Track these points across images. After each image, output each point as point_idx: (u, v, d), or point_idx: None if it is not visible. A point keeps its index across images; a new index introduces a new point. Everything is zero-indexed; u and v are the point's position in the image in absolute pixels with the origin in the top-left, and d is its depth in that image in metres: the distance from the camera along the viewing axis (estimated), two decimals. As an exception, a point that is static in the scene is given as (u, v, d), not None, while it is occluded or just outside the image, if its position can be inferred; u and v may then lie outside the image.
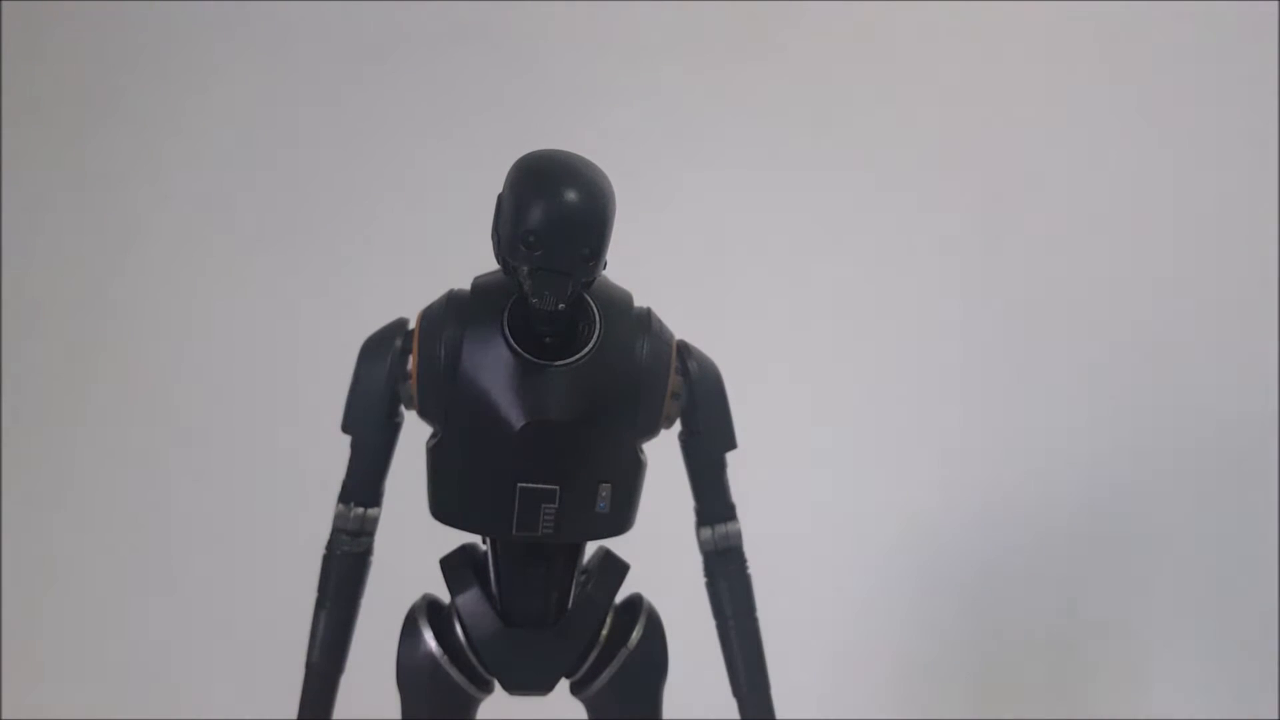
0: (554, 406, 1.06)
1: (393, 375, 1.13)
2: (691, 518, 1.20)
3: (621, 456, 1.11)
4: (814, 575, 1.94)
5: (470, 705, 1.19)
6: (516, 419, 1.06)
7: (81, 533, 2.14)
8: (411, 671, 1.16)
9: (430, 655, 1.15)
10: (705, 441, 1.17)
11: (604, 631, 1.17)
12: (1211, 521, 1.93)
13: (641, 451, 1.13)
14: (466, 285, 1.12)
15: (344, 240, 2.15)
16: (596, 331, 1.08)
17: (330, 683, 1.18)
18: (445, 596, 1.18)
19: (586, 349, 1.07)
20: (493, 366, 1.07)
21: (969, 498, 1.96)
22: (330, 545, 1.18)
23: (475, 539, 1.17)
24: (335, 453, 1.17)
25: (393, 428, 1.16)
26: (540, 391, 1.06)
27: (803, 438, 1.99)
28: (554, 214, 0.97)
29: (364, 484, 1.17)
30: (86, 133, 2.24)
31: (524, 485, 1.08)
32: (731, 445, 1.18)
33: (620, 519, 1.12)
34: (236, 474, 2.12)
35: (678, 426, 1.17)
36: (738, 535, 1.19)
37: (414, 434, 1.14)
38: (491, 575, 1.15)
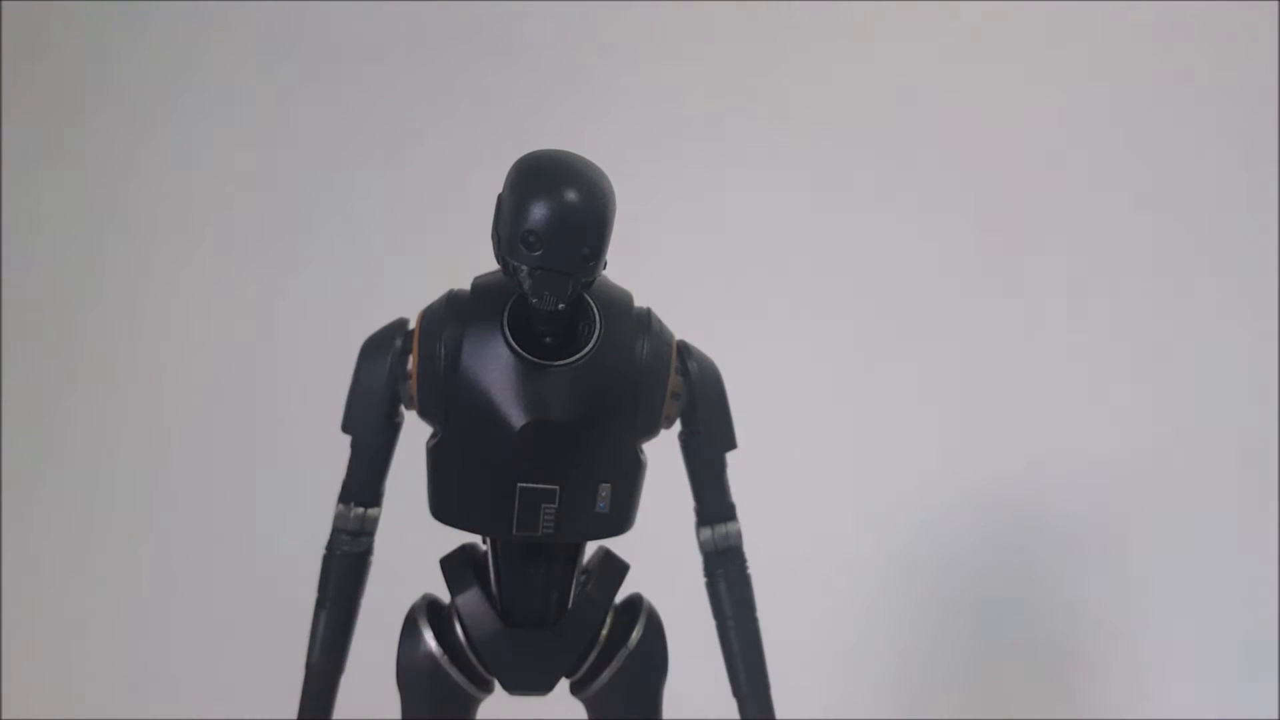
0: (554, 406, 1.06)
1: (393, 375, 1.13)
2: (691, 518, 1.20)
3: (621, 456, 1.11)
4: (814, 575, 1.94)
5: (470, 705, 1.19)
6: (516, 419, 1.06)
7: (81, 533, 2.14)
8: (411, 671, 1.16)
9: (430, 655, 1.15)
10: (705, 441, 1.17)
11: (604, 631, 1.17)
12: (1211, 522, 1.93)
13: (641, 451, 1.13)
14: (466, 285, 1.12)
15: (344, 240, 2.15)
16: (596, 331, 1.08)
17: (330, 683, 1.18)
18: (445, 596, 1.18)
19: (586, 349, 1.07)
20: (493, 366, 1.07)
21: (970, 498, 1.96)
22: (330, 545, 1.18)
23: (475, 539, 1.17)
24: (335, 453, 1.17)
25: (393, 428, 1.16)
26: (540, 391, 1.06)
27: (803, 438, 1.99)
28: (554, 214, 0.97)
29: (364, 484, 1.17)
30: (85, 132, 2.24)
31: (524, 485, 1.08)
32: (731, 445, 1.18)
33: (620, 519, 1.12)
34: (237, 474, 2.12)
35: (678, 426, 1.17)
36: (737, 535, 1.19)
37: (414, 434, 1.14)
38: (491, 575, 1.15)
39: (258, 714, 1.80)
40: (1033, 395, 1.98)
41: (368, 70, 2.17)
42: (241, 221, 2.18)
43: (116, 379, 2.18)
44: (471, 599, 1.15)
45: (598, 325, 1.08)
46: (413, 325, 1.12)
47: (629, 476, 1.12)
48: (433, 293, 1.13)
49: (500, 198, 1.01)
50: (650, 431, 1.13)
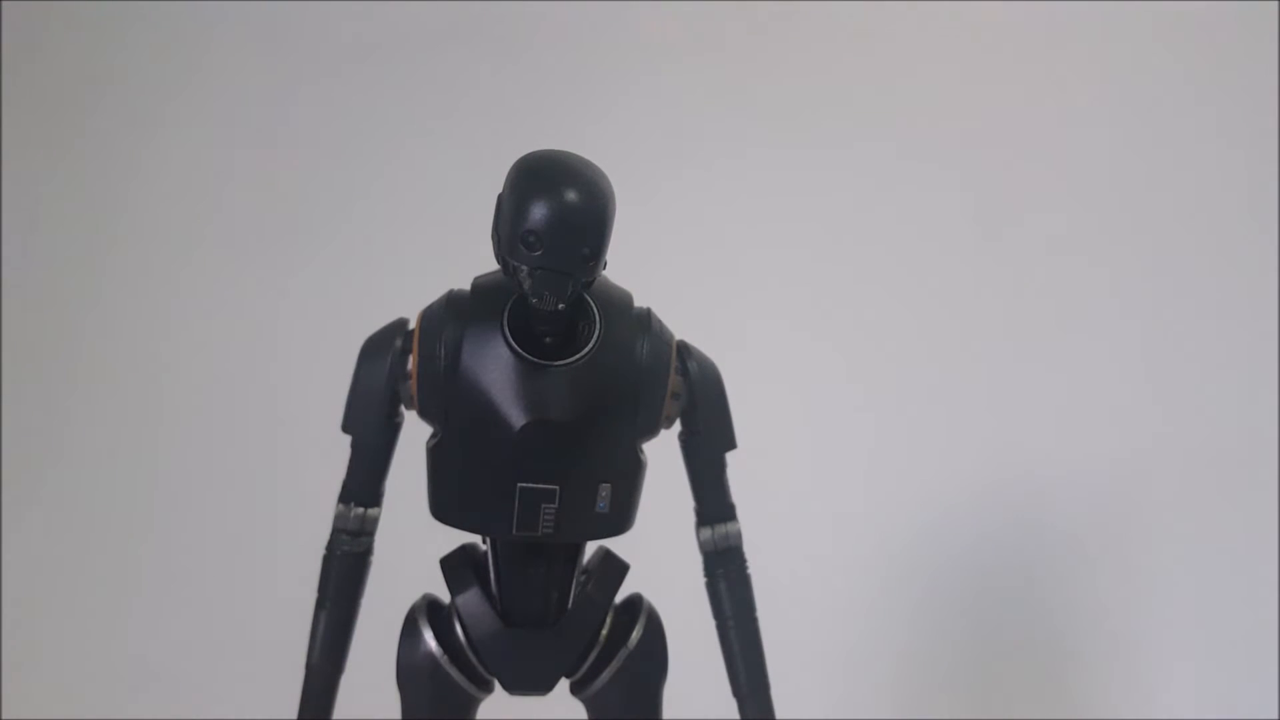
0: (554, 406, 1.06)
1: (393, 375, 1.13)
2: (691, 518, 1.20)
3: (621, 456, 1.11)
4: (814, 576, 1.94)
5: (470, 705, 1.19)
6: (516, 419, 1.06)
7: (81, 533, 2.14)
8: (411, 671, 1.16)
9: (430, 655, 1.15)
10: (705, 441, 1.17)
11: (604, 631, 1.17)
12: (1211, 522, 1.93)
13: (641, 451, 1.13)
14: (466, 285, 1.12)
15: (344, 240, 2.15)
16: (596, 331, 1.08)
17: (330, 683, 1.18)
18: (445, 596, 1.18)
19: (586, 349, 1.07)
20: (493, 366, 1.07)
21: (969, 498, 1.96)
22: (330, 545, 1.18)
23: (475, 539, 1.17)
24: (335, 453, 1.17)
25: (393, 428, 1.16)
26: (540, 391, 1.06)
27: (803, 438, 1.99)
28: (554, 214, 0.97)
29: (364, 484, 1.17)
30: (85, 132, 2.24)
31: (524, 485, 1.08)
32: (731, 445, 1.18)
33: (620, 519, 1.12)
34: (237, 474, 2.12)
35: (678, 426, 1.17)
36: (737, 535, 1.19)
37: (414, 434, 1.14)
38: (491, 575, 1.15)
39: (258, 714, 1.80)
40: (1033, 396, 1.98)
41: (368, 70, 2.17)
42: (241, 221, 2.18)
43: (116, 379, 2.18)
44: (471, 599, 1.15)
45: (598, 325, 1.08)
46: (413, 325, 1.12)
47: (629, 476, 1.12)
48: (433, 293, 1.13)
49: (500, 198, 1.01)
50: (650, 431, 1.13)
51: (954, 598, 1.96)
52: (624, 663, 1.16)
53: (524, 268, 0.99)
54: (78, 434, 2.17)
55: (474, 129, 2.11)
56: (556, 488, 1.08)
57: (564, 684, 1.18)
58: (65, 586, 2.13)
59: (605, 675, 1.16)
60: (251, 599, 2.03)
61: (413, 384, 1.11)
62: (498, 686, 1.18)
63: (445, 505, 1.11)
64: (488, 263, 1.07)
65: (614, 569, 1.18)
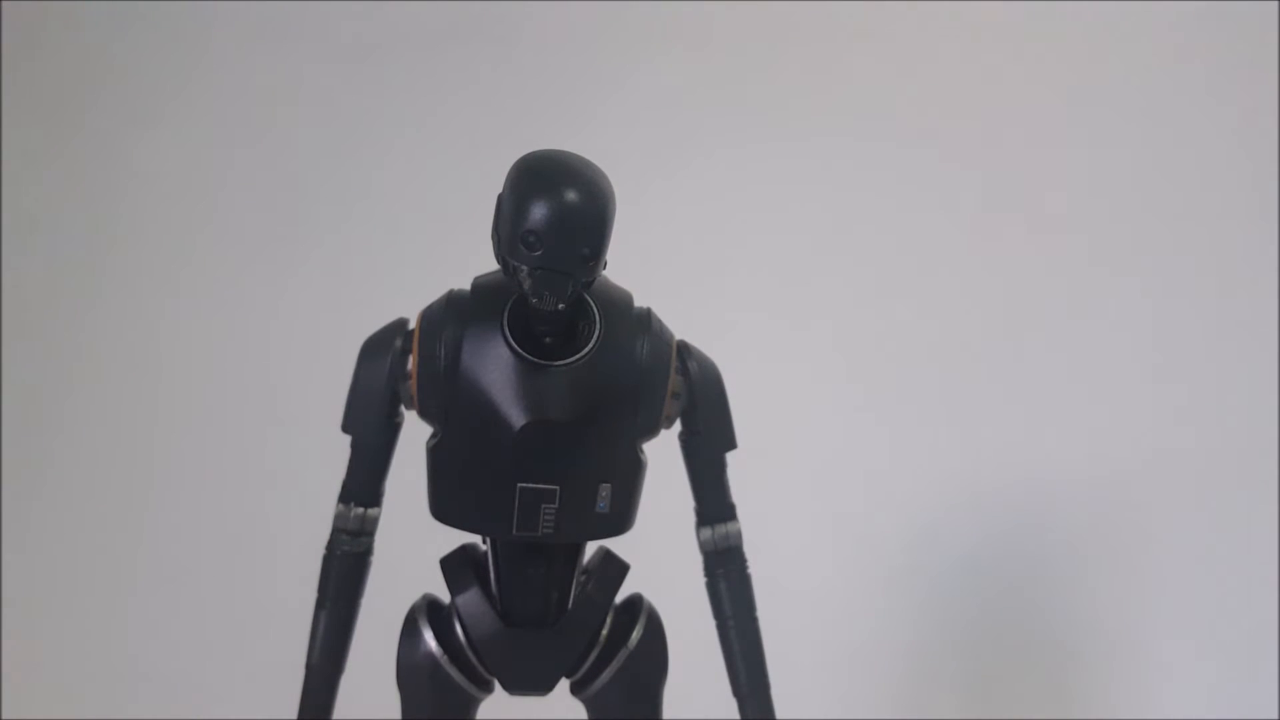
0: (554, 406, 1.06)
1: (393, 375, 1.13)
2: (691, 518, 1.20)
3: (621, 456, 1.11)
4: (815, 576, 1.94)
5: (470, 705, 1.19)
6: (517, 419, 1.06)
7: (81, 533, 2.14)
8: (411, 671, 1.16)
9: (430, 655, 1.15)
10: (705, 441, 1.17)
11: (604, 631, 1.17)
12: (1211, 522, 1.93)
13: (641, 451, 1.13)
14: (466, 285, 1.12)
15: (344, 240, 2.15)
16: (596, 331, 1.08)
17: (330, 683, 1.18)
18: (445, 596, 1.18)
19: (586, 349, 1.07)
20: (493, 366, 1.07)
21: (971, 499, 1.96)
22: (330, 545, 1.17)
23: (475, 539, 1.17)
24: (335, 453, 1.17)
25: (393, 428, 1.15)
26: (540, 391, 1.06)
27: (803, 439, 1.99)
28: (554, 214, 0.97)
29: (364, 484, 1.16)
30: (85, 132, 2.24)
31: (524, 485, 1.08)
32: (731, 445, 1.18)
33: (620, 519, 1.12)
34: (237, 474, 2.12)
35: (678, 426, 1.17)
36: (738, 535, 1.19)
37: (414, 434, 1.14)
38: (491, 575, 1.15)
39: (258, 714, 1.80)
40: (1034, 396, 1.98)
41: (368, 70, 2.17)
42: (241, 221, 2.18)
43: (117, 379, 2.18)
44: (471, 599, 1.15)
45: (598, 325, 1.08)
46: (413, 325, 1.12)
47: (629, 476, 1.12)
48: (433, 293, 1.13)
49: (500, 198, 1.01)
50: (650, 431, 1.13)
51: (954, 598, 1.96)
52: (624, 663, 1.16)
53: (524, 268, 0.98)
54: (77, 434, 2.17)
55: (474, 129, 2.11)
56: (556, 488, 1.08)
57: (564, 684, 1.18)
58: (65, 586, 2.13)
59: (605, 675, 1.16)
60: (251, 599, 2.03)
61: (413, 384, 1.11)
62: (498, 686, 1.18)
63: (445, 505, 1.11)
64: (488, 263, 1.07)
65: (614, 569, 1.18)
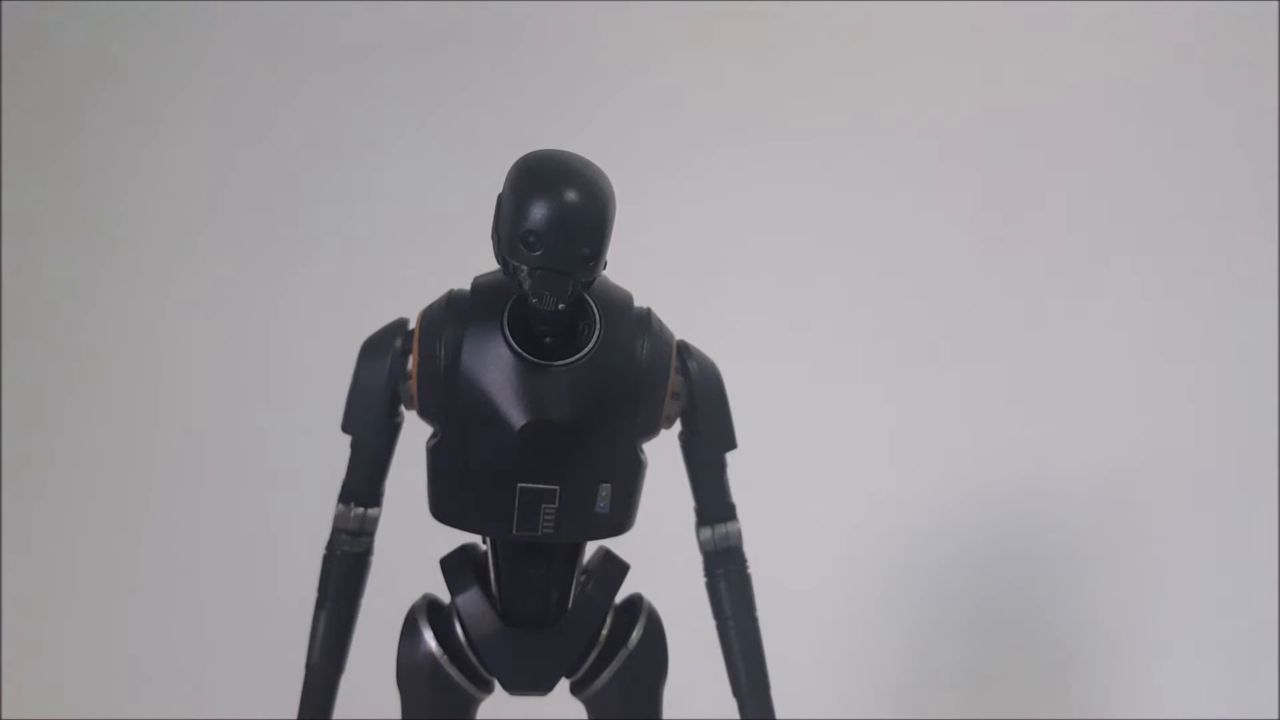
0: (554, 406, 1.06)
1: (393, 375, 1.13)
2: (691, 518, 1.20)
3: (621, 456, 1.11)
4: (815, 576, 1.94)
5: (470, 705, 1.19)
6: (517, 419, 1.06)
7: (81, 532, 2.14)
8: (411, 671, 1.16)
9: (430, 655, 1.15)
10: (705, 441, 1.17)
11: (604, 631, 1.17)
12: (1211, 522, 1.92)
13: (641, 451, 1.13)
14: (466, 285, 1.12)
15: (344, 239, 2.15)
16: (596, 331, 1.08)
17: (330, 683, 1.18)
18: (445, 596, 1.18)
19: (586, 349, 1.07)
20: (493, 366, 1.07)
21: (971, 499, 1.96)
22: (330, 545, 1.17)
23: (475, 539, 1.17)
24: (335, 453, 1.17)
25: (393, 428, 1.15)
26: (540, 391, 1.06)
27: (803, 439, 1.99)
28: (554, 214, 0.97)
29: (364, 484, 1.16)
30: (85, 132, 2.24)
31: (524, 485, 1.08)
32: (731, 445, 1.18)
33: (620, 519, 1.12)
34: (237, 474, 2.12)
35: (678, 426, 1.17)
36: (738, 535, 1.19)
37: (414, 434, 1.14)
38: (491, 575, 1.15)
39: (258, 714, 1.81)
40: (1034, 396, 1.98)
41: (368, 70, 2.17)
42: (241, 220, 2.18)
43: (116, 378, 2.18)
44: (471, 599, 1.15)
45: (598, 325, 1.08)
46: (413, 325, 1.12)
47: (629, 476, 1.12)
48: (433, 293, 1.13)
49: (500, 198, 1.01)
50: (650, 431, 1.13)
51: (954, 598, 1.96)
52: (624, 663, 1.16)
53: (524, 268, 0.98)
54: (77, 434, 2.17)
55: (474, 128, 2.11)
56: (556, 488, 1.08)
57: (564, 684, 1.18)
58: (65, 586, 2.13)
59: (605, 675, 1.16)
60: (251, 599, 2.03)
61: (413, 384, 1.11)
62: (498, 686, 1.18)
63: (445, 505, 1.11)
64: (488, 263, 1.07)
65: (614, 569, 1.18)
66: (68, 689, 2.07)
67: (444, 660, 1.15)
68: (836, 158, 2.05)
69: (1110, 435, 1.95)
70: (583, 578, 1.17)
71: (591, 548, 1.18)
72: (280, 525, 1.86)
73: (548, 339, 1.07)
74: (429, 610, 1.18)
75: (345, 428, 1.15)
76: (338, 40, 2.18)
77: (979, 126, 2.03)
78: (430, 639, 1.16)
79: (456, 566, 1.17)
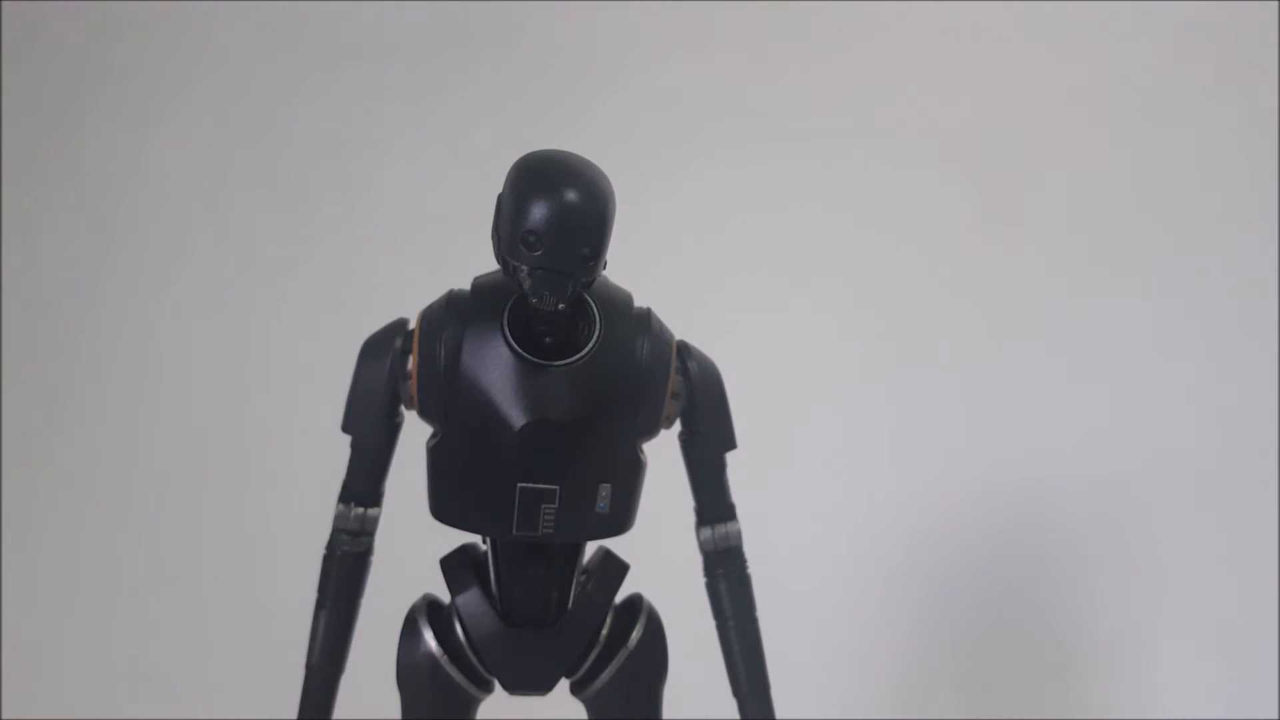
0: (554, 406, 1.06)
1: (393, 375, 1.13)
2: (691, 518, 1.20)
3: (621, 456, 1.11)
4: (815, 576, 1.94)
5: (470, 705, 1.19)
6: (517, 419, 1.06)
7: (81, 532, 2.14)
8: (411, 671, 1.16)
9: (430, 655, 1.15)
10: (705, 442, 1.17)
11: (604, 631, 1.17)
12: (1211, 522, 1.93)
13: (641, 451, 1.13)
14: (466, 285, 1.12)
15: (344, 240, 2.15)
16: (596, 331, 1.08)
17: (330, 683, 1.18)
18: (445, 596, 1.18)
19: (586, 349, 1.07)
20: (493, 366, 1.07)
21: (971, 499, 1.96)
22: (330, 545, 1.17)
23: (475, 539, 1.17)
24: (335, 453, 1.17)
25: (393, 428, 1.15)
26: (540, 391, 1.06)
27: (803, 439, 1.99)
28: (554, 214, 0.97)
29: (364, 484, 1.16)
30: (85, 132, 2.24)
31: (524, 485, 1.08)
32: (731, 445, 1.18)
33: (620, 519, 1.12)
34: (237, 474, 2.12)
35: (678, 426, 1.17)
36: (737, 535, 1.19)
37: (414, 434, 1.14)
38: (491, 575, 1.15)
39: (258, 714, 1.80)
40: (1034, 396, 1.98)
41: (368, 70, 2.17)
42: (241, 221, 2.18)
43: (116, 379, 2.18)
44: (471, 599, 1.15)
45: (598, 325, 1.08)
46: (413, 325, 1.12)
47: (629, 476, 1.12)
48: (433, 293, 1.13)
49: (500, 198, 1.01)
50: (650, 431, 1.13)
51: (954, 598, 1.96)
52: (624, 663, 1.16)
53: (524, 268, 0.98)
54: (77, 434, 2.17)
55: (474, 128, 2.11)
56: (556, 488, 1.08)
57: (564, 684, 1.18)
58: (64, 586, 2.13)
59: (605, 675, 1.16)
60: (251, 599, 2.03)
61: (413, 384, 1.11)
62: (498, 686, 1.18)
63: (445, 505, 1.11)
64: (488, 263, 1.07)
65: (614, 569, 1.18)
66: (68, 689, 2.07)
67: (444, 660, 1.15)
68: (836, 158, 2.05)
69: (1110, 435, 1.95)
70: (583, 578, 1.17)
71: (591, 548, 1.18)
72: (280, 525, 1.86)
73: (548, 339, 1.07)
74: (429, 610, 1.18)
75: (345, 428, 1.15)
76: (338, 40, 2.18)
77: (979, 127, 2.03)
78: (430, 639, 1.16)
79: (456, 566, 1.17)
